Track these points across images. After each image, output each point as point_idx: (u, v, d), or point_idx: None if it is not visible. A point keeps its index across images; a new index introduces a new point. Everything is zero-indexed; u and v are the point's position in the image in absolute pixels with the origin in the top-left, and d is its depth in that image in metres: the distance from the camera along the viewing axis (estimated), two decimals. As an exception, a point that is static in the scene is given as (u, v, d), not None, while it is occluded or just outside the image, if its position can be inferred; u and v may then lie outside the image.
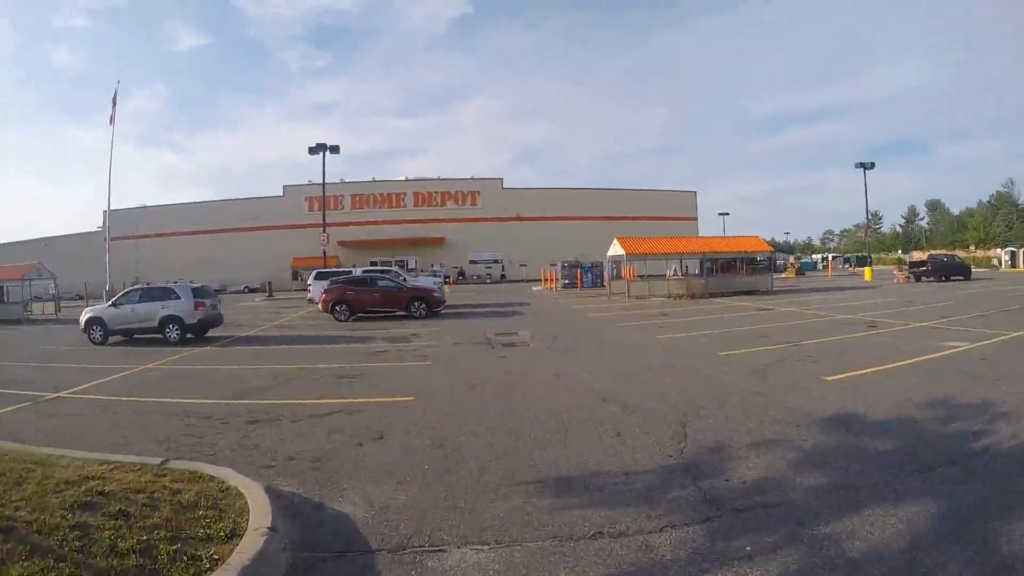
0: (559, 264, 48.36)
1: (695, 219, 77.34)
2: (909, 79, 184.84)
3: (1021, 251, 59.29)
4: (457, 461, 6.18)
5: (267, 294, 49.82)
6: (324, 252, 44.25)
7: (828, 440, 6.60)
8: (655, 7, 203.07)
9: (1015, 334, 14.39)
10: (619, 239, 33.67)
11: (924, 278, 41.20)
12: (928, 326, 16.67)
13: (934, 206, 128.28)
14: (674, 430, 7.08)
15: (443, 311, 25.96)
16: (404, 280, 27.76)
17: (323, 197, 47.21)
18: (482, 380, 10.81)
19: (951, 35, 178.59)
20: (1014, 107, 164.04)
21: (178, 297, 18.71)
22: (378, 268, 35.27)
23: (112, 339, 18.74)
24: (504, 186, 74.71)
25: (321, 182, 45.98)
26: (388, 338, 17.96)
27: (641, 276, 36.22)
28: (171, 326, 18.41)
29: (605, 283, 40.77)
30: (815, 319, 19.64)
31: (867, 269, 49.96)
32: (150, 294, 19.33)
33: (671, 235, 40.74)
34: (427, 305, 24.28)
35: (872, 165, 50.69)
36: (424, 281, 32.73)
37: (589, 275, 46.68)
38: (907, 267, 46.19)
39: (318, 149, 43.96)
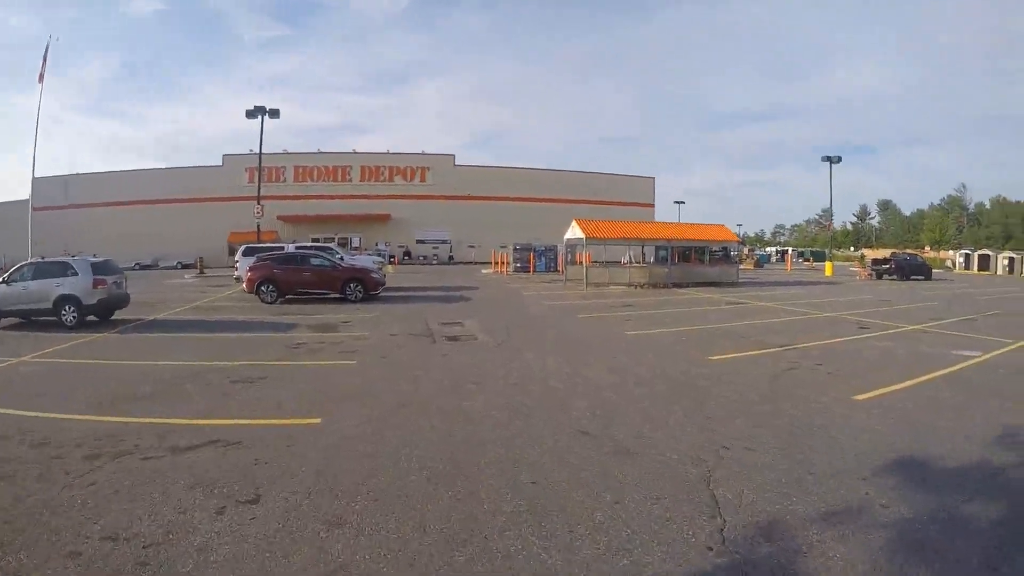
0: (511, 246, 46.15)
1: (652, 206, 76.27)
2: (865, 84, 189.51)
3: (975, 254, 60.43)
4: (364, 561, 3.81)
5: (198, 271, 46.59)
6: (258, 226, 40.84)
7: (911, 502, 4.72)
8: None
9: (1019, 344, 13.07)
10: (578, 221, 31.46)
11: (886, 276, 40.64)
12: (923, 329, 15.25)
13: (885, 206, 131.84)
14: (696, 490, 4.93)
15: (383, 294, 23.52)
16: (341, 258, 25.26)
17: (259, 165, 43.72)
18: (418, 393, 8.40)
19: (908, 43, 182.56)
20: (964, 115, 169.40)
21: (75, 273, 15.67)
22: (313, 245, 32.43)
23: (8, 321, 15.89)
24: (456, 163, 72.13)
25: (261, 150, 42.83)
26: (314, 326, 15.53)
27: (596, 262, 34.52)
28: (67, 307, 15.45)
29: (560, 268, 38.97)
30: (796, 317, 18.04)
31: (828, 264, 49.64)
32: (44, 270, 16.11)
33: (627, 220, 39.07)
34: (364, 287, 21.82)
35: (839, 159, 50.05)
36: (363, 260, 30.35)
37: (543, 259, 44.62)
38: (869, 264, 45.83)
39: (256, 112, 40.63)
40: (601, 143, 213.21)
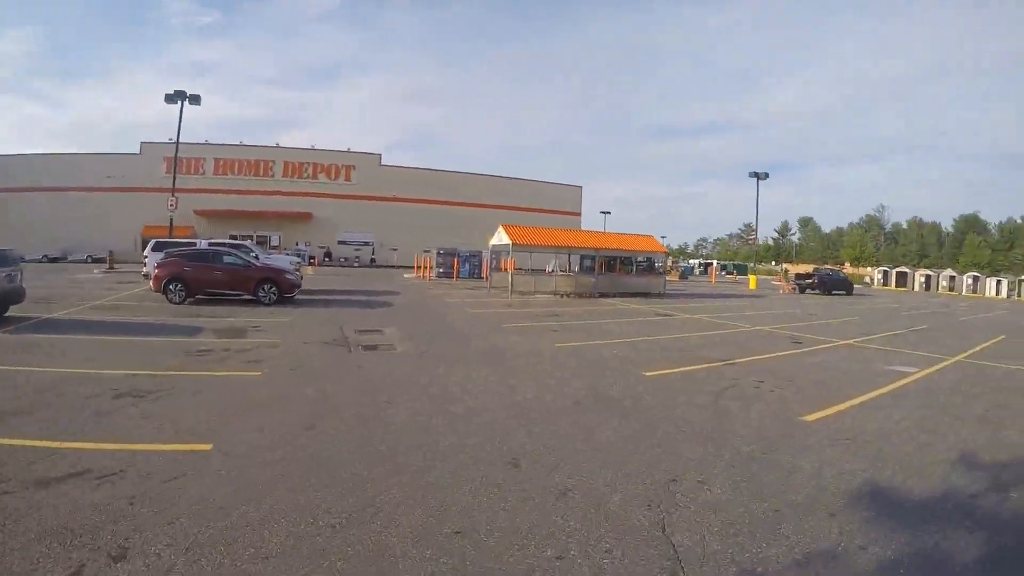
0: (435, 251, 45.68)
1: (579, 215, 77.00)
2: (788, 105, 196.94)
3: (894, 271, 64.46)
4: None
5: (108, 265, 44.03)
6: (171, 219, 38.61)
7: (889, 541, 4.38)
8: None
9: (953, 359, 13.73)
10: (505, 227, 31.06)
11: (809, 290, 42.32)
12: (855, 344, 15.80)
13: (806, 223, 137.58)
14: (651, 538, 4.36)
15: (299, 297, 22.56)
16: (256, 257, 24.07)
17: (176, 154, 41.58)
18: (327, 412, 7.56)
19: (830, 68, 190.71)
20: (882, 138, 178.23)
21: None
22: (226, 242, 30.77)
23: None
24: (382, 163, 70.90)
25: (179, 139, 40.70)
26: (221, 330, 14.47)
27: (522, 269, 34.24)
28: (-45, 304, 14.04)
29: (484, 275, 38.58)
30: (728, 330, 18.17)
31: (752, 278, 51.09)
32: None
33: (554, 228, 39.00)
34: (279, 289, 20.72)
35: (766, 176, 51.74)
36: (280, 260, 29.12)
37: (467, 265, 44.31)
38: (793, 279, 47.39)
39: (176, 97, 38.62)
40: (529, 150, 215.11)
